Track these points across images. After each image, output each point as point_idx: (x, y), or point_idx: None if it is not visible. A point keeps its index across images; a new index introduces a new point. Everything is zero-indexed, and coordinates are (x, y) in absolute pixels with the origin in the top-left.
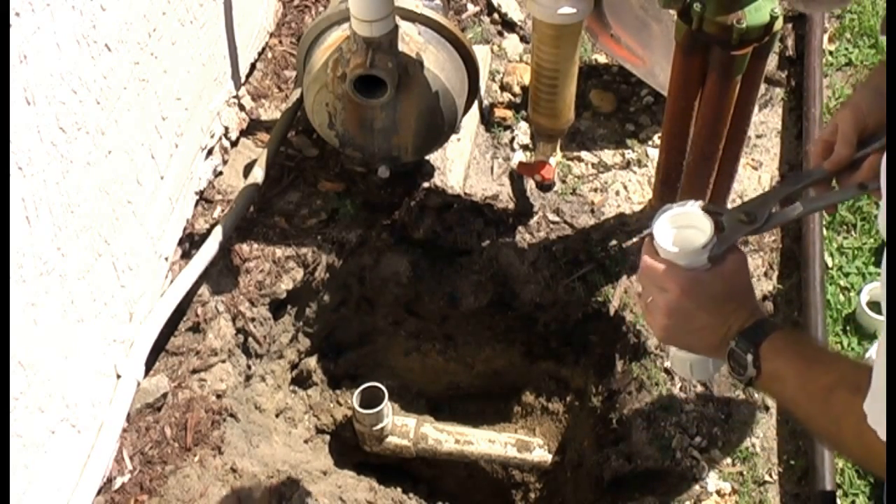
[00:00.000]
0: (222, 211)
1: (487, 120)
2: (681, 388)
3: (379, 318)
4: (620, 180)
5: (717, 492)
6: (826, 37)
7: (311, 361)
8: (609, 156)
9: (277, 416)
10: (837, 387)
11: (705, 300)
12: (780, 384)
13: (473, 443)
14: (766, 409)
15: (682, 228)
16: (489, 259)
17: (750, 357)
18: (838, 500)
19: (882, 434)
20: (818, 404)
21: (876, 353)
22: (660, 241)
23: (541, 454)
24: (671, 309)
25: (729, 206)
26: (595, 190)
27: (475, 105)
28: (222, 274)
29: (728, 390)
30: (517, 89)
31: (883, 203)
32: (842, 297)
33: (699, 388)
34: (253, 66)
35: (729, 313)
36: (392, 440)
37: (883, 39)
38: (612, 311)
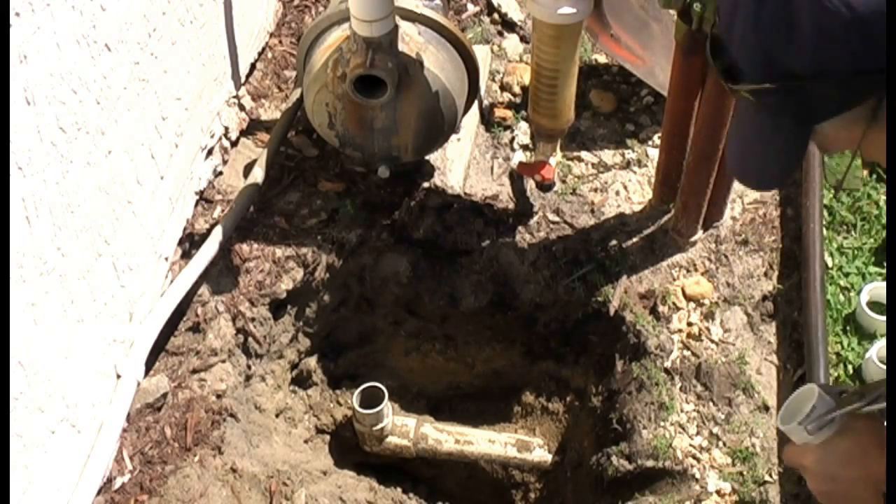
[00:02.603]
0: (222, 211)
1: (487, 120)
2: (681, 389)
3: (379, 318)
4: (620, 180)
5: (717, 492)
6: None
7: (311, 361)
8: (609, 156)
9: (277, 416)
10: None
11: (841, 460)
12: None
13: (473, 443)
14: (766, 409)
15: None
16: (489, 259)
17: None
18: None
19: None
20: None
21: None
22: (780, 421)
23: (541, 454)
24: (819, 480)
25: (728, 205)
26: (595, 190)
27: (475, 105)
28: (222, 274)
29: (728, 390)
30: (517, 89)
31: None
32: (842, 297)
33: (699, 388)
34: (253, 66)
35: (875, 461)
36: (392, 440)
37: None
38: (612, 311)
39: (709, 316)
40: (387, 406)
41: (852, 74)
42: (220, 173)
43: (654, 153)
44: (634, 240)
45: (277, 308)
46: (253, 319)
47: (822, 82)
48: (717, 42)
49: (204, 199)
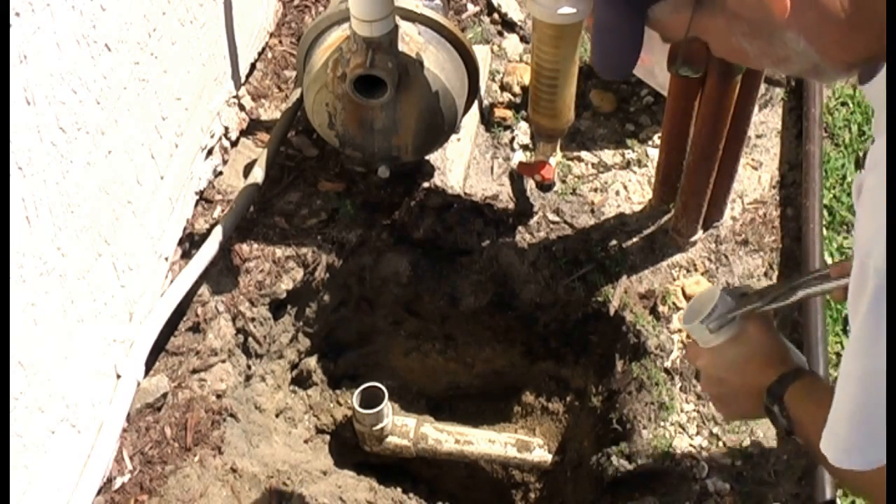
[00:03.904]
0: (222, 211)
1: (487, 120)
2: (681, 389)
3: (379, 318)
4: (620, 180)
5: (717, 492)
6: None
7: (311, 361)
8: (609, 156)
9: (277, 416)
10: None
11: (728, 365)
12: (802, 430)
13: (473, 443)
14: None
15: (706, 307)
16: (489, 259)
17: (777, 408)
18: (838, 501)
19: (832, 460)
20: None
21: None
22: (683, 322)
23: (541, 454)
24: (709, 382)
25: (728, 205)
26: (595, 190)
27: (475, 105)
28: (222, 274)
29: None
30: (517, 89)
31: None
32: None
33: (699, 388)
34: (253, 66)
35: (755, 373)
36: (392, 440)
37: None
38: (612, 311)
39: None
40: (387, 406)
41: None
42: (220, 173)
43: (654, 153)
44: (634, 240)
45: (277, 308)
46: (253, 319)
47: None
48: None
49: (204, 199)
